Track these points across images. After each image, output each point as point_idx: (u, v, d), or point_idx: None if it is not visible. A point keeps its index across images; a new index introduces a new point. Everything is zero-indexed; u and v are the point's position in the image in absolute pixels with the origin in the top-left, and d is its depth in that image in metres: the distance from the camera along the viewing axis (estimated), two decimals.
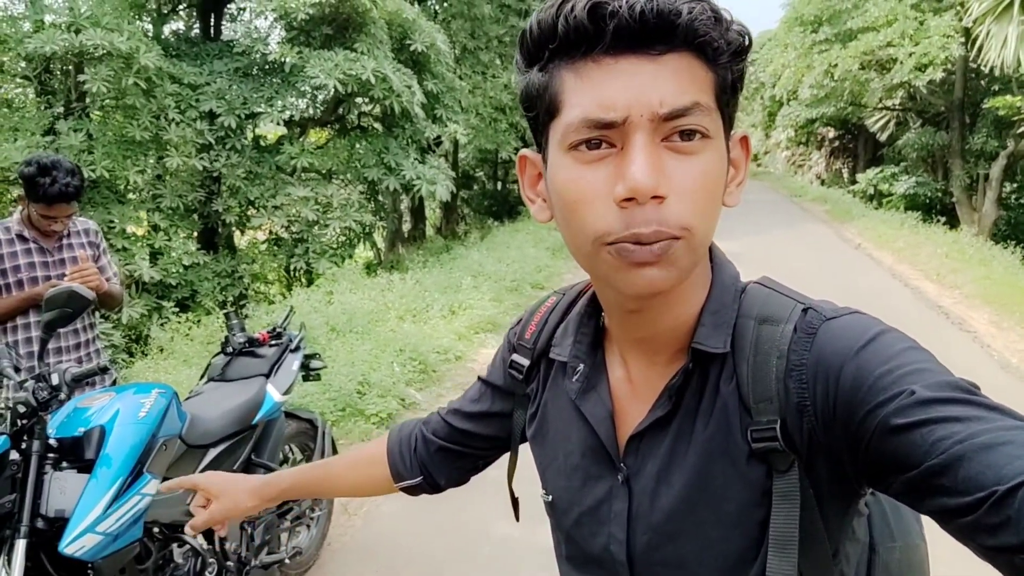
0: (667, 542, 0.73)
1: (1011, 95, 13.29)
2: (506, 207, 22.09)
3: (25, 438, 1.91)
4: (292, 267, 8.74)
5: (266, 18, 9.43)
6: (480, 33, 13.07)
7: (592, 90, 0.63)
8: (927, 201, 17.13)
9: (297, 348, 2.94)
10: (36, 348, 2.32)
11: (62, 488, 1.94)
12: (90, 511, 1.90)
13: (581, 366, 0.80)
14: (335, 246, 8.53)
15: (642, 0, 0.60)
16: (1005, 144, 14.98)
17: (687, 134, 0.62)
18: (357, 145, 8.86)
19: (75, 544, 1.85)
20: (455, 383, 5.37)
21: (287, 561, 2.73)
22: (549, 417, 0.85)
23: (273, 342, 2.87)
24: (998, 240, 13.41)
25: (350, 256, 8.56)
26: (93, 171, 7.14)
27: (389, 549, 3.30)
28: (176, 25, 10.14)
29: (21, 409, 1.85)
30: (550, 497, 0.85)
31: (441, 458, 1.05)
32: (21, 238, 2.62)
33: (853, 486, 0.69)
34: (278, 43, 8.69)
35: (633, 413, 0.77)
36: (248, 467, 2.61)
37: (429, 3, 12.84)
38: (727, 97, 0.66)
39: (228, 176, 8.15)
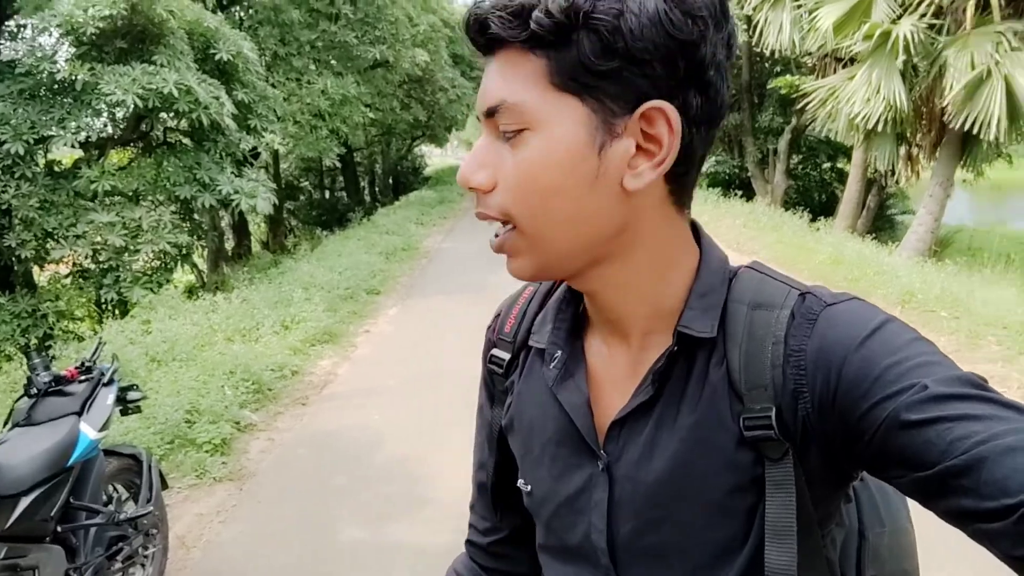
0: (649, 530, 0.72)
1: (790, 75, 14.84)
2: (335, 215, 21.75)
3: None
4: (103, 299, 8.14)
5: (51, 34, 8.70)
6: (291, 39, 12.75)
7: None
8: (727, 178, 18.73)
9: (111, 381, 2.83)
10: None
11: None
12: None
13: (559, 352, 0.78)
14: (149, 272, 8.04)
15: (475, 11, 0.64)
16: (789, 120, 16.68)
17: (506, 131, 0.64)
18: (165, 163, 8.40)
19: None
20: (292, 399, 5.30)
21: None
22: (525, 406, 0.83)
23: (83, 378, 2.74)
24: (788, 207, 14.98)
25: (168, 281, 8.10)
26: None
27: None
28: None
29: None
30: (528, 487, 0.82)
31: (512, 540, 0.95)
32: None
33: (844, 474, 0.69)
34: (66, 60, 8.06)
35: (614, 398, 0.75)
36: (67, 511, 2.50)
37: (233, 11, 12.36)
38: (572, 76, 0.62)
39: (20, 207, 7.47)
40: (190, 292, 9.45)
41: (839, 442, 0.62)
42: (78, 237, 7.57)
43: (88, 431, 2.58)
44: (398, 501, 3.65)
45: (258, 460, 4.31)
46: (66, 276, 8.83)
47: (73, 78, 7.60)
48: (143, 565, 2.90)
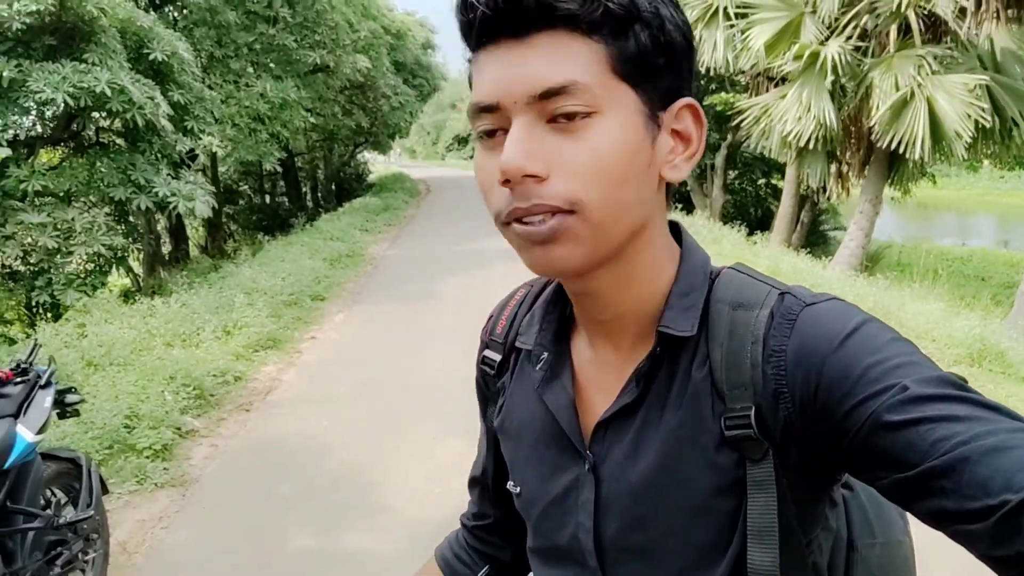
0: (635, 529, 0.72)
1: (725, 92, 15.29)
2: (277, 220, 21.36)
3: None
4: (34, 302, 7.82)
5: None
6: (228, 41, 12.50)
7: (477, 78, 0.65)
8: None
9: (48, 384, 2.73)
10: None
11: None
12: None
13: (545, 354, 0.79)
14: (83, 275, 7.76)
15: None
16: (725, 136, 17.18)
17: (570, 114, 0.62)
18: (98, 163, 8.13)
19: None
20: (235, 405, 5.19)
21: None
22: (515, 407, 0.84)
23: (18, 380, 2.64)
24: (726, 220, 15.41)
25: (103, 285, 7.82)
26: None
27: None
28: None
29: None
30: (517, 488, 0.83)
31: (495, 529, 0.99)
32: None
33: (827, 475, 0.69)
34: None
35: (600, 400, 0.76)
36: (3, 515, 2.41)
37: (167, 11, 12.07)
38: (631, 67, 0.64)
39: None
40: (126, 296, 9.14)
41: (821, 442, 0.62)
42: (7, 238, 7.26)
43: (25, 434, 2.49)
44: (348, 509, 3.61)
45: (201, 466, 4.20)
46: None
47: None
48: (83, 571, 2.80)
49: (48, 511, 2.64)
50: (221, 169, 18.21)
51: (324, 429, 4.70)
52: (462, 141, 55.87)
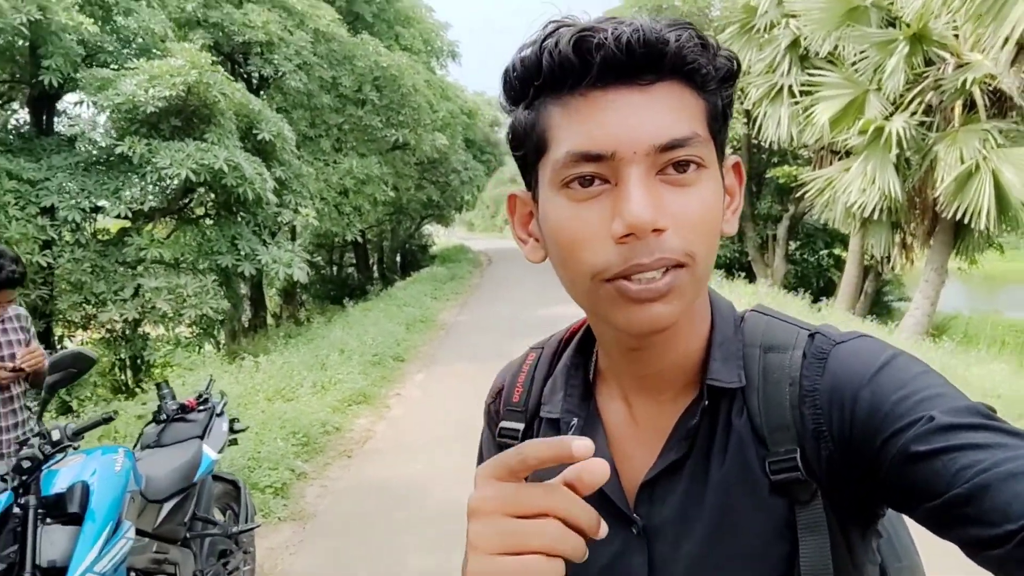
0: None
1: (788, 165, 15.66)
2: (346, 290, 22.26)
3: (21, 493, 2.13)
4: (139, 360, 8.53)
5: (97, 112, 9.37)
6: (320, 122, 13.55)
7: (581, 124, 0.62)
8: (728, 261, 19.38)
9: (222, 413, 3.23)
10: (38, 409, 2.50)
11: (52, 541, 2.17)
12: (86, 556, 2.15)
13: (575, 420, 0.76)
14: (190, 336, 8.47)
15: (628, 30, 0.60)
16: (787, 208, 17.46)
17: (682, 165, 0.62)
18: (208, 233, 8.94)
19: None
20: (337, 452, 5.66)
21: None
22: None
23: (201, 408, 3.15)
24: (789, 289, 15.54)
25: (205, 346, 8.51)
26: None
27: None
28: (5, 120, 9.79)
29: (26, 464, 2.08)
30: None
31: None
32: None
33: (872, 510, 0.69)
34: (118, 135, 8.67)
35: (639, 458, 0.74)
36: (194, 520, 2.87)
37: (269, 94, 13.18)
38: (719, 125, 0.66)
39: (73, 271, 7.96)
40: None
41: (861, 478, 0.63)
42: (125, 301, 8.01)
43: (209, 452, 2.97)
44: (451, 536, 3.98)
45: (315, 503, 4.64)
46: (98, 340, 9.20)
47: (131, 152, 8.21)
48: None
49: (216, 528, 3.09)
50: (297, 241, 19.33)
51: (419, 472, 5.10)
52: None
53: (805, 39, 12.80)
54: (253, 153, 9.66)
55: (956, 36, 10.77)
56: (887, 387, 0.62)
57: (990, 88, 10.86)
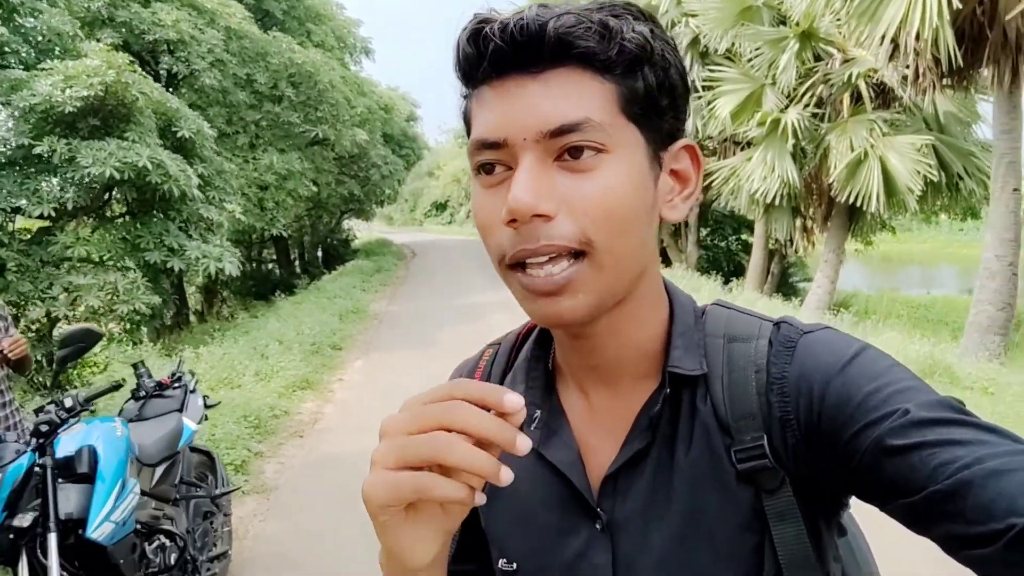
0: None
1: None
2: (268, 286, 21.99)
3: (38, 455, 2.36)
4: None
5: (13, 111, 9.15)
6: (236, 119, 13.47)
7: (482, 113, 0.63)
8: None
9: (194, 389, 3.47)
10: (50, 379, 2.69)
11: (67, 497, 2.41)
12: (102, 509, 2.40)
13: (538, 412, 0.75)
14: (121, 333, 8.42)
15: (514, 19, 0.60)
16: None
17: (576, 150, 0.61)
18: (134, 230, 8.89)
19: (99, 530, 2.35)
20: (289, 433, 5.90)
21: (229, 552, 3.24)
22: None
23: (176, 385, 3.38)
24: (701, 272, 16.43)
25: (140, 341, 8.49)
26: None
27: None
28: None
29: (44, 428, 2.32)
30: (514, 565, 0.77)
31: None
32: None
33: (836, 502, 0.68)
34: (33, 135, 8.51)
35: (603, 450, 0.72)
36: (181, 484, 3.12)
37: (182, 91, 13.02)
38: (638, 108, 0.63)
39: None
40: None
41: (828, 468, 0.62)
42: (55, 299, 7.93)
43: (190, 423, 3.22)
44: None
45: (275, 478, 4.89)
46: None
47: (50, 152, 8.10)
48: (221, 540, 3.48)
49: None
50: (215, 238, 19.02)
51: (372, 447, 5.36)
52: (440, 207, 56.97)
53: (704, 36, 13.58)
54: (173, 151, 9.63)
55: (842, 34, 11.68)
56: (858, 378, 0.62)
57: (874, 81, 11.84)
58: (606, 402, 0.73)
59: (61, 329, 8.47)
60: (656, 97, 0.64)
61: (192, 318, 17.79)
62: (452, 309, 12.14)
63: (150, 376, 3.31)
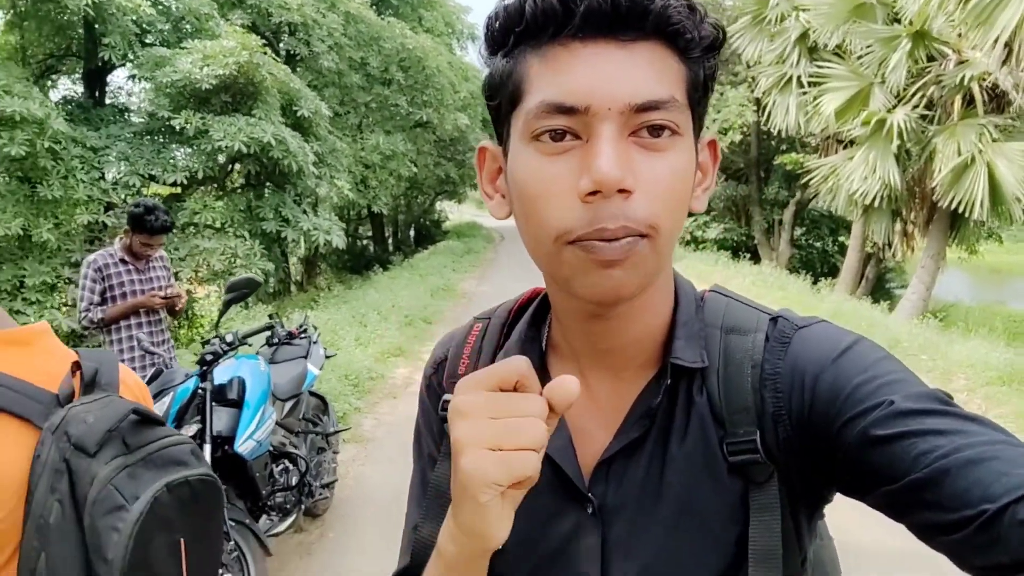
0: (649, 571, 0.69)
1: (795, 152, 16.30)
2: (362, 261, 23.03)
3: (201, 380, 2.89)
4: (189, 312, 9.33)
5: (156, 86, 10.08)
6: (348, 100, 14.25)
7: (557, 75, 0.60)
8: (734, 243, 20.08)
9: (316, 340, 3.99)
10: (216, 316, 3.27)
11: (219, 418, 2.92)
12: (248, 427, 2.91)
13: None
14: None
15: None
16: (794, 194, 18.11)
17: (656, 129, 0.60)
18: (256, 201, 9.70)
19: (244, 446, 2.86)
20: (384, 394, 6.45)
21: (336, 482, 3.77)
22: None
23: (302, 335, 3.90)
24: (792, 272, 16.25)
25: (252, 304, 9.29)
26: (7, 228, 7.56)
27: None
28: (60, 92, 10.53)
29: (209, 358, 2.84)
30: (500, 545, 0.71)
31: None
32: (123, 262, 3.53)
33: (822, 492, 0.69)
34: (172, 109, 9.38)
35: (595, 436, 0.72)
36: (302, 420, 3.64)
37: (300, 72, 13.87)
38: (699, 95, 0.64)
39: None
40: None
41: (816, 460, 0.64)
42: (181, 259, 8.78)
43: (313, 368, 3.73)
44: None
45: (372, 431, 5.43)
46: None
47: (186, 125, 8.94)
48: (330, 471, 3.99)
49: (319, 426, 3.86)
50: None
51: None
52: None
53: (814, 32, 13.35)
54: (292, 128, 10.39)
55: (959, 35, 11.33)
56: (849, 371, 0.63)
57: (988, 85, 11.43)
58: (605, 387, 0.73)
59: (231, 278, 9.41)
60: (708, 87, 0.66)
61: (292, 288, 18.94)
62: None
63: (283, 326, 3.84)
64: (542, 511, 0.72)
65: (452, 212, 39.95)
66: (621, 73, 0.59)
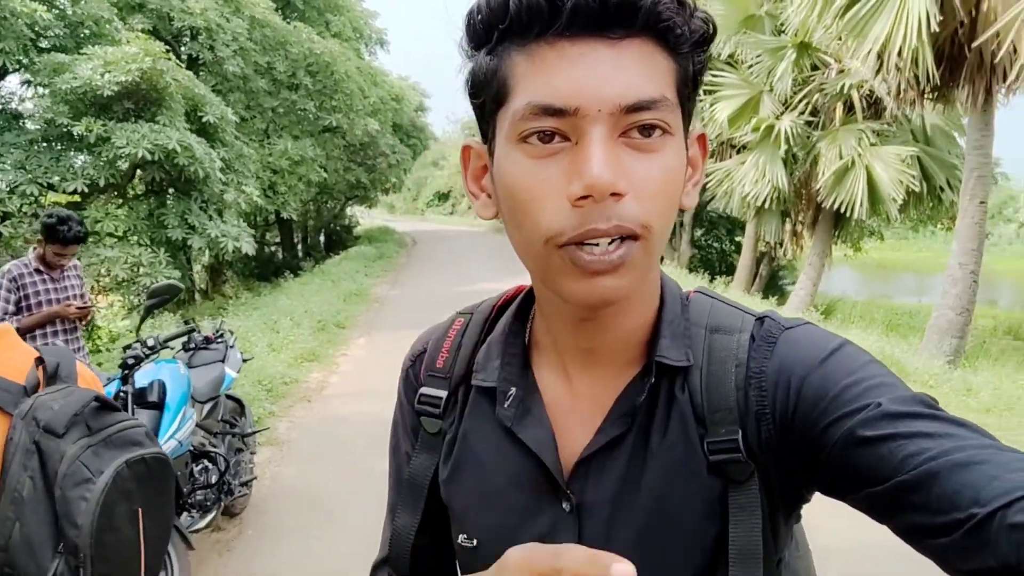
0: None
1: None
2: (271, 268, 22.62)
3: (122, 384, 2.99)
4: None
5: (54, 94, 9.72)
6: (255, 104, 14.08)
7: (545, 75, 0.59)
8: None
9: (233, 345, 4.10)
10: (137, 322, 3.33)
11: (141, 419, 3.02)
12: (169, 428, 3.03)
13: (513, 389, 0.74)
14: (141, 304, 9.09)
15: None
16: None
17: (647, 129, 0.59)
18: (160, 208, 9.53)
19: (165, 446, 2.97)
20: (298, 397, 6.53)
21: (256, 478, 3.89)
22: (472, 450, 0.77)
23: (219, 340, 4.00)
24: (692, 271, 17.07)
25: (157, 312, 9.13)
26: None
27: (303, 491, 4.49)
28: None
29: (131, 362, 2.94)
30: (474, 541, 0.76)
31: None
32: (38, 271, 3.56)
33: (801, 493, 0.69)
34: (71, 116, 9.09)
35: (578, 432, 0.72)
36: (220, 422, 3.75)
37: (203, 77, 13.62)
38: (688, 91, 0.64)
39: (32, 240, 8.43)
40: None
41: (798, 460, 0.64)
42: (84, 268, 8.55)
43: (230, 372, 3.85)
44: None
45: (287, 434, 5.52)
46: None
47: (87, 132, 8.72)
48: (248, 471, 4.10)
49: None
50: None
51: (377, 410, 5.94)
52: (442, 197, 57.26)
53: None
54: (197, 134, 10.24)
55: (838, 44, 12.23)
56: (836, 373, 0.63)
57: (866, 93, 12.39)
58: (589, 384, 0.73)
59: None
60: (698, 82, 0.65)
61: (197, 296, 18.47)
62: (453, 295, 12.74)
63: (199, 332, 3.93)
64: (519, 507, 0.73)
65: (363, 217, 39.58)
66: (610, 73, 0.58)
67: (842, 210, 12.02)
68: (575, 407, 0.73)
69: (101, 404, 1.46)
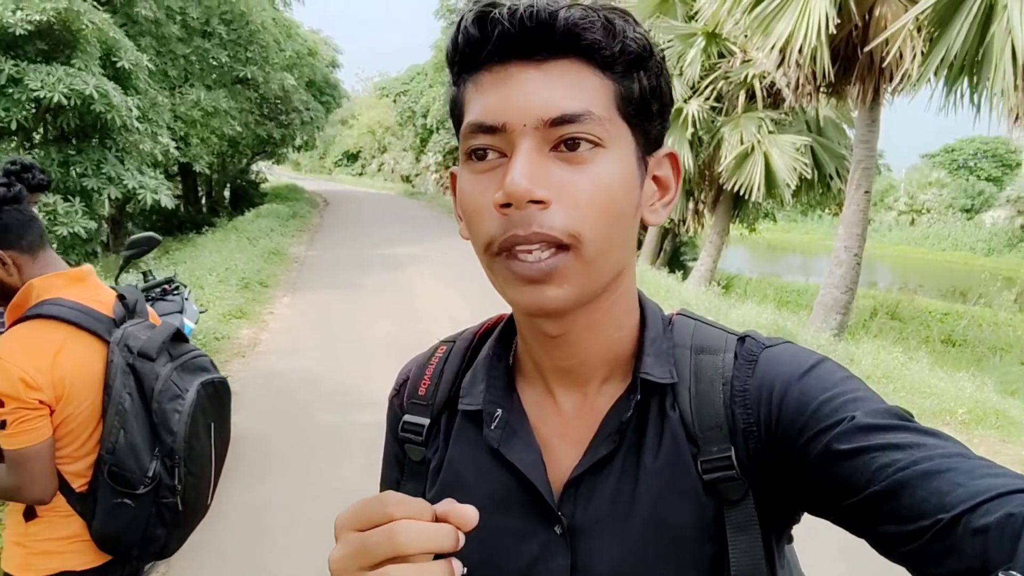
0: None
1: None
2: (174, 222, 21.89)
3: None
4: None
5: None
6: (166, 51, 13.60)
7: (481, 96, 0.64)
8: None
9: (188, 297, 4.27)
10: (116, 272, 3.46)
11: None
12: None
13: (499, 411, 0.75)
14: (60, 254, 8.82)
15: (524, 5, 0.61)
16: None
17: (574, 142, 0.62)
18: (74, 155, 9.23)
19: None
20: (232, 353, 6.68)
21: None
22: (458, 475, 0.77)
23: (175, 292, 4.17)
24: None
25: (77, 263, 8.90)
26: None
27: None
28: None
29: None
30: (464, 569, 0.65)
31: None
32: None
33: (791, 512, 0.70)
34: None
35: (566, 453, 0.73)
36: None
37: (113, 18, 13.04)
38: (632, 108, 0.65)
39: None
40: None
41: (784, 477, 0.65)
42: None
43: (189, 323, 4.03)
44: (352, 403, 5.27)
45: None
46: None
47: None
48: None
49: None
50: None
51: (311, 365, 6.28)
52: (351, 157, 56.13)
53: None
54: (111, 80, 9.91)
55: (745, 37, 12.97)
56: (814, 388, 0.64)
57: (767, 83, 13.22)
58: (574, 404, 0.74)
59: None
60: (649, 101, 0.66)
61: (98, 248, 17.76)
62: (373, 258, 12.92)
63: (157, 285, 4.08)
64: (510, 530, 0.72)
65: (269, 173, 38.51)
66: (535, 90, 0.62)
67: (741, 192, 12.84)
68: (562, 427, 0.74)
69: (177, 335, 1.76)
